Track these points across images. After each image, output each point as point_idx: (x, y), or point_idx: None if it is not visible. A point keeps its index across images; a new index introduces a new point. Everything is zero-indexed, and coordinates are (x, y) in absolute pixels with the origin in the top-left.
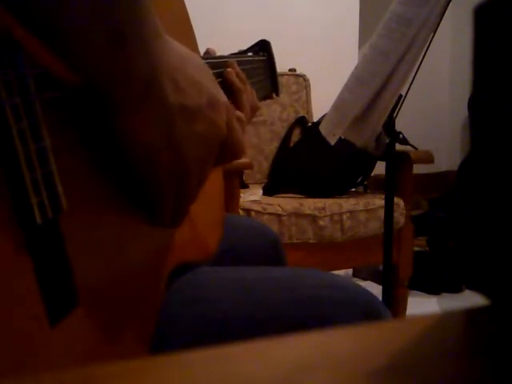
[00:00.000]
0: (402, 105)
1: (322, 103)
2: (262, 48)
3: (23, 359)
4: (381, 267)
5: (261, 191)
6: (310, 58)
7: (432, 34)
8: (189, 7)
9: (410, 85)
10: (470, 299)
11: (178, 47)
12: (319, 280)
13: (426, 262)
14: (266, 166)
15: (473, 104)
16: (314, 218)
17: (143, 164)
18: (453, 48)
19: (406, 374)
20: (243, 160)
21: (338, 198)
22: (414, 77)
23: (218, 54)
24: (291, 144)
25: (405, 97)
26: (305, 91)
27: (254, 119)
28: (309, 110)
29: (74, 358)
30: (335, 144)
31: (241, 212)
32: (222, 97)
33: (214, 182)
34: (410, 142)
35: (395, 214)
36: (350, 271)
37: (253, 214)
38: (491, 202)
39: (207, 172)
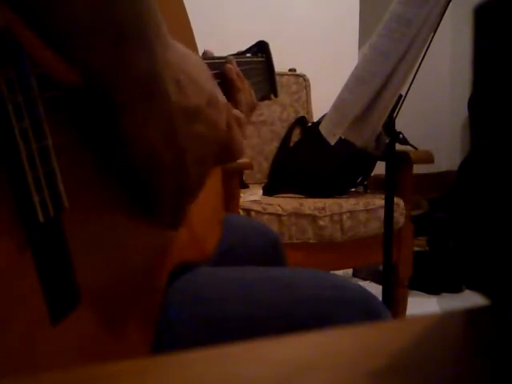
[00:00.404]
0: (401, 105)
1: (322, 103)
2: (261, 49)
3: (25, 357)
4: (381, 267)
5: (261, 191)
6: (310, 58)
7: (432, 34)
8: (188, 7)
9: (410, 85)
10: (470, 299)
11: (179, 47)
12: (319, 280)
13: (426, 261)
14: (266, 166)
15: (473, 104)
16: (313, 218)
17: (144, 163)
18: (453, 48)
19: (406, 373)
20: (243, 160)
21: (337, 198)
22: (414, 77)
23: (218, 54)
24: (291, 144)
25: (405, 97)
26: (305, 91)
27: (254, 119)
28: (309, 110)
29: (76, 357)
30: (335, 144)
31: (241, 212)
32: (222, 97)
33: (214, 181)
34: (410, 142)
35: (395, 214)
36: (349, 271)
37: (253, 213)
38: (491, 202)
39: (207, 172)
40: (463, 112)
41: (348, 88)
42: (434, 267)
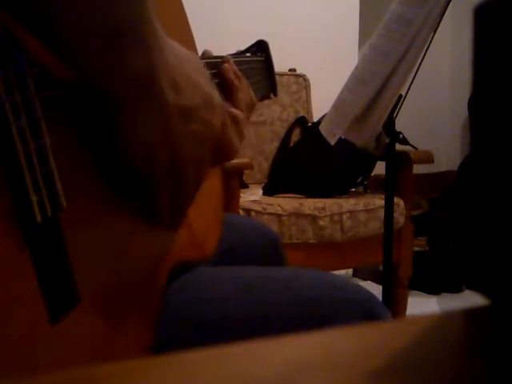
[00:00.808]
0: (402, 105)
1: (322, 103)
2: (260, 48)
3: (24, 357)
4: (381, 267)
5: (261, 191)
6: (310, 58)
7: (432, 34)
8: (188, 8)
9: (410, 85)
10: (470, 299)
11: (175, 47)
12: (319, 280)
13: (426, 261)
14: (266, 166)
15: (473, 104)
16: (314, 218)
17: (140, 163)
18: (453, 48)
19: (406, 374)
20: (243, 160)
21: (337, 198)
22: (414, 77)
23: (217, 54)
24: (291, 144)
25: (405, 97)
26: (305, 91)
27: (254, 119)
28: (309, 110)
29: (75, 357)
30: (335, 144)
31: (241, 212)
32: (218, 97)
33: (213, 181)
34: (410, 142)
35: (395, 214)
36: (350, 271)
37: (253, 213)
38: (491, 202)
39: (204, 172)
40: (463, 112)
41: (348, 88)
42: (434, 267)
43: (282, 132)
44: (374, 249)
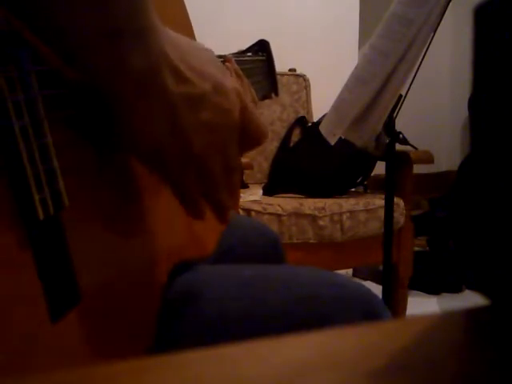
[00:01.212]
0: (402, 105)
1: (322, 103)
2: (261, 48)
3: (24, 356)
4: (381, 267)
5: (261, 191)
6: (310, 58)
7: (432, 34)
8: (189, 7)
9: (410, 85)
10: (470, 299)
11: (177, 37)
12: (319, 278)
13: (426, 261)
14: (265, 166)
15: (473, 104)
16: (314, 218)
17: (151, 159)
18: (453, 48)
19: (406, 373)
20: (243, 160)
21: (338, 198)
22: (414, 77)
23: (218, 54)
24: (291, 144)
25: (405, 97)
26: (305, 91)
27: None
28: (309, 110)
29: (75, 356)
30: (335, 144)
31: (241, 212)
32: (230, 81)
33: None
34: (410, 142)
35: (395, 214)
36: (350, 271)
37: (253, 213)
38: (491, 202)
39: (233, 158)
40: (463, 112)
41: (348, 88)
42: (434, 267)
43: (282, 132)
44: (373, 249)
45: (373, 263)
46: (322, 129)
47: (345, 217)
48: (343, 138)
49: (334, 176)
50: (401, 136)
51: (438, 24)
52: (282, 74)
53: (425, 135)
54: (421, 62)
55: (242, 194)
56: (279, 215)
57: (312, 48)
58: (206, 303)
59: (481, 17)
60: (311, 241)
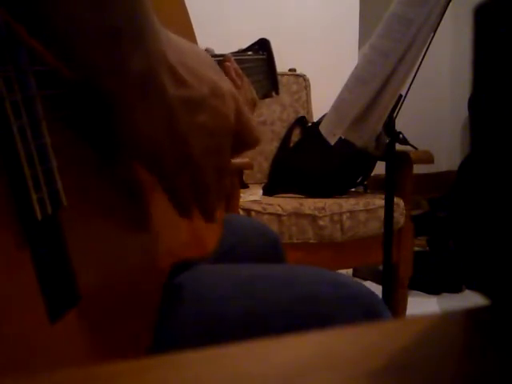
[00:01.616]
0: (402, 105)
1: (322, 103)
2: (262, 47)
3: (23, 356)
4: (381, 267)
5: (261, 191)
6: (310, 58)
7: (432, 34)
8: (189, 7)
9: (410, 85)
10: (470, 299)
11: (176, 40)
12: (319, 277)
13: (426, 261)
14: (265, 166)
15: (473, 104)
16: (314, 218)
17: (148, 160)
18: (453, 48)
19: (405, 373)
20: (243, 160)
21: (338, 198)
22: (414, 77)
23: (218, 53)
24: (291, 144)
25: (405, 97)
26: (305, 91)
27: (254, 119)
28: (309, 110)
29: (74, 355)
30: (335, 144)
31: (241, 212)
32: (227, 85)
33: None
34: (410, 142)
35: (395, 214)
36: (350, 271)
37: (253, 214)
38: (491, 202)
39: (225, 162)
40: (463, 112)
41: (348, 88)
42: (434, 267)
43: (282, 132)
44: (373, 249)
45: (373, 263)
46: (322, 129)
47: (345, 217)
48: (343, 138)
49: (334, 176)
50: (401, 136)
51: (438, 24)
52: (282, 74)
53: (425, 135)
54: (421, 62)
55: (242, 194)
56: (279, 215)
57: (312, 48)
58: (205, 302)
59: (481, 17)
60: (311, 241)
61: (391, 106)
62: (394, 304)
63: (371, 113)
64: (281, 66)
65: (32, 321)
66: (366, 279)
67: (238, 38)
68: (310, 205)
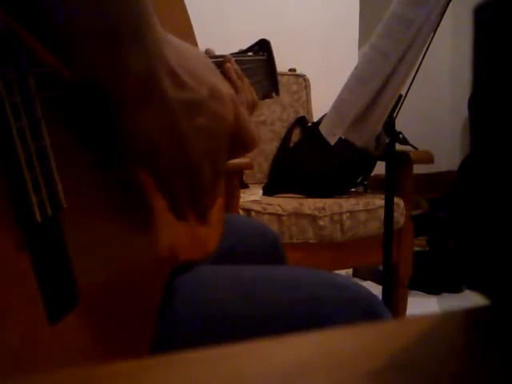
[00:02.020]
0: (402, 105)
1: (322, 103)
2: (262, 47)
3: (23, 357)
4: (381, 267)
5: (261, 191)
6: (310, 58)
7: (432, 34)
8: (189, 7)
9: (410, 85)
10: (470, 299)
11: (176, 42)
12: (319, 279)
13: (426, 261)
14: (265, 166)
15: (473, 104)
16: (314, 218)
17: (147, 162)
18: (453, 48)
19: (405, 373)
20: (243, 160)
21: (338, 198)
22: (414, 77)
23: (218, 54)
24: (291, 144)
25: (405, 97)
26: (305, 91)
27: (254, 119)
28: (309, 110)
29: (74, 357)
30: (335, 144)
31: (241, 212)
32: (226, 88)
33: None
34: (410, 142)
35: (395, 214)
36: (350, 271)
37: (253, 214)
38: (491, 202)
39: (222, 165)
40: (463, 112)
41: (348, 88)
42: (434, 267)
43: (282, 132)
44: (373, 249)
45: (373, 263)
46: (322, 129)
47: (345, 217)
48: (343, 137)
49: (334, 176)
50: (401, 136)
51: (438, 24)
52: (282, 74)
53: (425, 135)
54: (421, 62)
55: (242, 194)
56: (279, 215)
57: (312, 48)
58: (206, 303)
59: (481, 17)
60: (311, 241)
61: (391, 106)
62: (393, 304)
63: (371, 113)
64: (281, 66)
65: (32, 322)
66: (366, 279)
67: (238, 38)
68: (310, 205)
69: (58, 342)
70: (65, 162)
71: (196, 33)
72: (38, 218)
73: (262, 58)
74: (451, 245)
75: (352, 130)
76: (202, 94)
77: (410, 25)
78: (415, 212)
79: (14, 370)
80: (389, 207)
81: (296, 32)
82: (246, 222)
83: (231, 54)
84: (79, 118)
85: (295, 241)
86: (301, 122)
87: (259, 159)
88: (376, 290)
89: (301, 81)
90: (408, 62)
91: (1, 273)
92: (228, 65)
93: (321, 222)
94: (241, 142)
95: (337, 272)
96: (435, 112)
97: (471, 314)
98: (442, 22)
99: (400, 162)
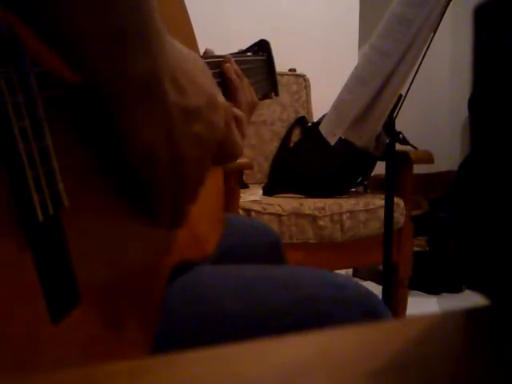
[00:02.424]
0: (402, 105)
1: (322, 103)
2: (262, 48)
3: (24, 357)
4: (381, 267)
5: (261, 191)
6: (310, 58)
7: (432, 34)
8: (189, 7)
9: (410, 85)
10: (470, 299)
11: (179, 47)
12: (319, 278)
13: (426, 261)
14: (266, 166)
15: (473, 104)
16: (314, 218)
17: (142, 164)
18: (453, 48)
19: (405, 373)
20: (243, 160)
21: (338, 198)
22: (414, 77)
23: (218, 54)
24: (291, 144)
25: (405, 97)
26: (305, 91)
27: (254, 119)
28: (309, 110)
29: (75, 356)
30: (335, 144)
31: (241, 212)
32: (221, 98)
33: (214, 180)
34: (410, 142)
35: (395, 214)
36: (350, 271)
37: (253, 214)
38: (491, 202)
39: (205, 173)
40: (463, 112)
41: (348, 88)
42: (434, 267)
43: (282, 132)
44: (373, 249)
45: (373, 263)
46: (322, 129)
47: (345, 217)
48: (343, 138)
49: (334, 176)
50: (401, 136)
51: (438, 24)
52: (282, 74)
53: (425, 135)
54: (421, 62)
55: (242, 194)
56: (279, 215)
57: (312, 48)
58: (206, 303)
59: (481, 17)
60: (311, 241)
61: (391, 106)
62: (393, 304)
63: (371, 113)
64: (281, 66)
65: (33, 321)
66: (365, 279)
67: (238, 38)
68: (310, 205)
69: (60, 341)
70: (66, 162)
71: (196, 33)
72: (40, 216)
73: (261, 58)
74: (451, 245)
75: (352, 130)
76: (201, 102)
77: (410, 25)
78: (415, 212)
79: (16, 368)
80: (389, 207)
81: (296, 32)
82: (246, 221)
83: (231, 54)
84: (81, 118)
85: (295, 241)
86: (301, 121)
87: (259, 159)
88: (376, 289)
89: (301, 81)
90: (408, 62)
91: (2, 271)
92: (228, 65)
93: (321, 222)
94: (226, 152)
95: (337, 272)
96: (435, 112)
97: (471, 314)
98: (442, 22)
99: (400, 162)
